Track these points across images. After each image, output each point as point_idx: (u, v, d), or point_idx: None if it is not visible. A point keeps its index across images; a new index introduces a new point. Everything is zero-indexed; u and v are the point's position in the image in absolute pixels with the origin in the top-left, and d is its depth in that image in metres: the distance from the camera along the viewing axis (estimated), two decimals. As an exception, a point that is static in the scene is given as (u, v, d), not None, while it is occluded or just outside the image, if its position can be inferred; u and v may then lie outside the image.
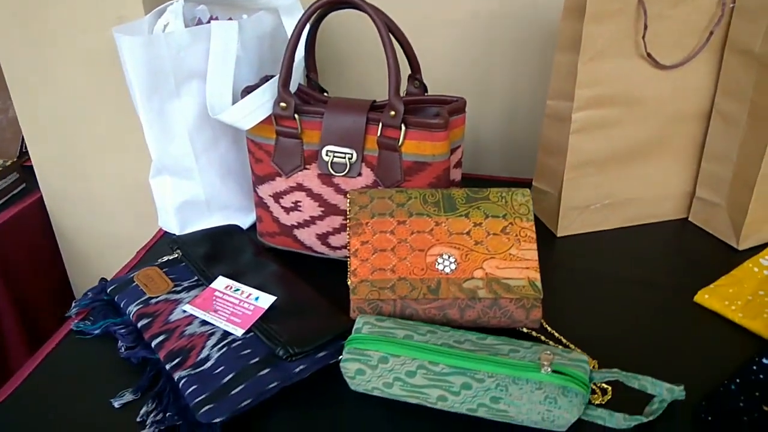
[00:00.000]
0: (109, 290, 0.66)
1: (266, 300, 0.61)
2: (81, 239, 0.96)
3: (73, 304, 0.66)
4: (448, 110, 0.65)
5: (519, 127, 0.94)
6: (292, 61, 0.65)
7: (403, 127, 0.64)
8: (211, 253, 0.70)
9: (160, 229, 0.82)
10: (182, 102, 0.71)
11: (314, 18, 0.67)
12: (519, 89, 0.91)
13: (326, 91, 0.75)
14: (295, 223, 0.72)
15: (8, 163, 0.92)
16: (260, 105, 0.66)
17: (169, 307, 0.62)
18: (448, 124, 0.64)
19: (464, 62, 0.90)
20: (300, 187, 0.70)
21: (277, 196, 0.72)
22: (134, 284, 0.66)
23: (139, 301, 0.63)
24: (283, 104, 0.66)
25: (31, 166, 0.97)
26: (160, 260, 0.70)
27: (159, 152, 0.73)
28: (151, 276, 0.67)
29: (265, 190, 0.73)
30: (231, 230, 0.76)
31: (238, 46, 0.68)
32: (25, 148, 1.03)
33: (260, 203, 0.74)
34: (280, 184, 0.71)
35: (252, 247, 0.72)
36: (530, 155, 0.94)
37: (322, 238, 0.72)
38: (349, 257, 0.60)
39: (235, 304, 0.61)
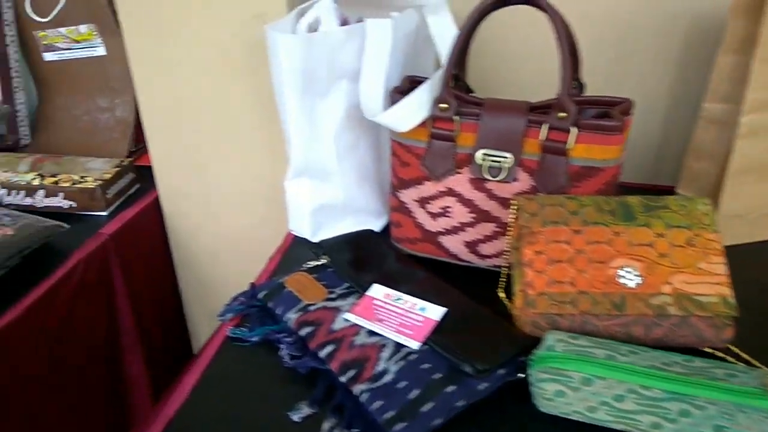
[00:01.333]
0: (261, 295, 0.64)
1: (435, 311, 0.58)
2: (194, 241, 0.95)
3: (224, 309, 0.65)
4: (619, 111, 0.61)
5: (651, 129, 0.90)
6: (457, 60, 0.62)
7: (574, 130, 0.60)
8: (356, 259, 0.68)
9: (288, 233, 0.80)
10: (330, 103, 0.69)
11: (477, 15, 0.64)
12: (651, 91, 0.87)
13: (473, 91, 0.72)
14: (442, 230, 0.70)
15: (125, 163, 0.92)
16: (419, 106, 0.63)
17: (330, 315, 0.60)
18: (625, 126, 0.60)
19: (600, 62, 0.86)
20: (450, 192, 0.67)
21: (423, 201, 0.69)
22: (287, 290, 0.64)
23: (297, 308, 0.61)
24: (443, 105, 0.63)
25: (141, 166, 0.97)
26: (306, 265, 0.68)
27: (304, 154, 0.71)
28: (303, 282, 0.65)
29: (410, 195, 0.70)
30: (369, 235, 0.73)
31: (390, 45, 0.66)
32: (135, 147, 1.03)
33: (400, 208, 0.72)
34: (428, 188, 0.68)
35: (393, 253, 0.70)
36: (664, 159, 0.90)
37: (471, 245, 0.69)
38: (511, 267, 0.57)
39: (400, 314, 0.58)
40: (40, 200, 0.85)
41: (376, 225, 0.80)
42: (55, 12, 0.98)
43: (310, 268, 0.68)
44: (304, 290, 0.64)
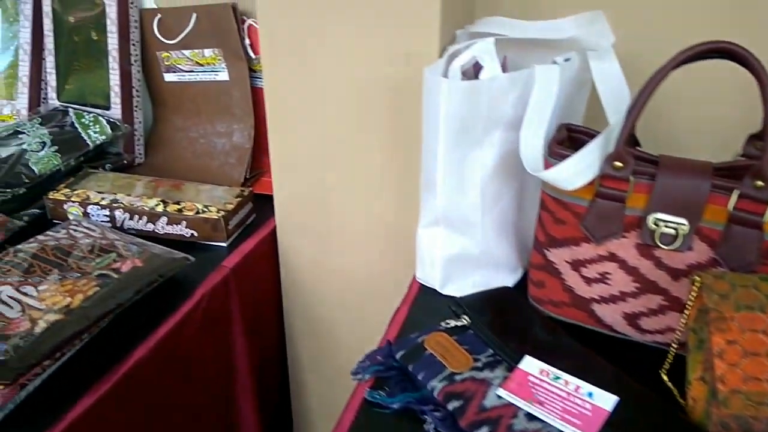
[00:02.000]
0: (399, 356, 0.60)
1: (604, 399, 0.52)
2: (307, 277, 0.92)
3: (359, 367, 0.61)
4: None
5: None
6: (639, 112, 0.56)
7: (775, 203, 0.53)
8: (498, 322, 0.63)
9: (414, 281, 0.76)
10: (483, 152, 0.64)
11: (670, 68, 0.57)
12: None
13: (640, 145, 0.65)
14: (597, 297, 0.63)
15: (246, 193, 0.90)
16: (590, 163, 0.58)
17: (480, 388, 0.55)
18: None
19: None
20: (612, 257, 0.61)
21: (577, 264, 0.63)
22: (428, 353, 0.59)
23: (441, 376, 0.56)
24: (618, 163, 0.57)
25: (256, 194, 0.95)
26: (444, 325, 0.63)
27: (445, 203, 0.67)
28: (445, 345, 0.60)
29: (560, 255, 0.64)
30: (511, 294, 0.68)
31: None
32: (249, 174, 1.02)
33: (547, 267, 0.66)
34: (586, 251, 0.62)
35: (538, 317, 0.64)
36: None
37: (631, 318, 0.62)
38: (686, 350, 0.50)
39: (563, 398, 0.52)
40: (162, 227, 0.85)
41: (510, 279, 0.74)
42: (182, 35, 0.99)
43: (449, 328, 0.63)
44: (447, 355, 0.59)
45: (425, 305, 0.72)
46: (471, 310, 0.64)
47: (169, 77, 1.06)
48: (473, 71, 0.67)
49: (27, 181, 0.88)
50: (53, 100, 1.10)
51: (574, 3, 0.84)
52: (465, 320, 0.63)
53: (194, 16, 0.97)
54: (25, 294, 0.65)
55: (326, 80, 0.77)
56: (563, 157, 0.60)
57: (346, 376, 0.81)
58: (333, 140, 0.81)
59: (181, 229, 0.84)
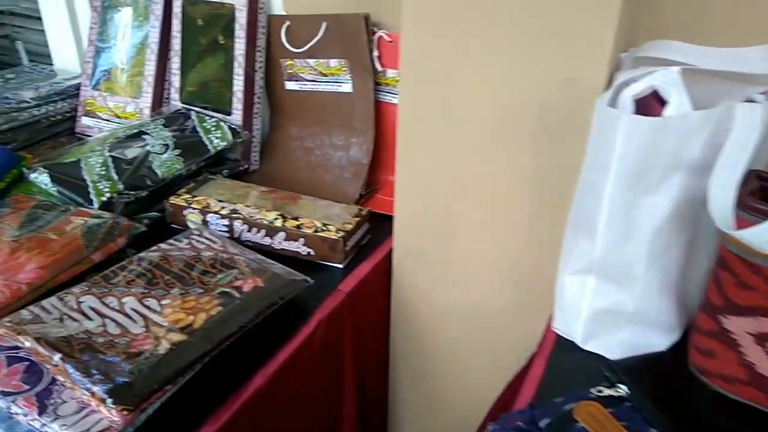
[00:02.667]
0: (544, 425, 0.53)
1: None
2: (419, 307, 0.87)
3: (494, 429, 0.54)
4: None
5: None
6: None
7: None
8: (659, 396, 0.54)
9: (549, 331, 0.68)
10: (657, 198, 0.56)
11: None
12: None
13: None
14: (787, 380, 0.54)
15: (364, 212, 0.86)
16: (804, 226, 0.48)
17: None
18: None
19: None
20: (811, 337, 0.51)
21: (763, 338, 0.54)
22: (580, 426, 0.51)
23: (599, 457, 0.49)
24: (841, 230, 0.47)
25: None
26: (596, 392, 0.55)
27: (607, 252, 0.59)
28: (600, 419, 0.52)
29: (742, 325, 0.55)
30: (669, 361, 0.59)
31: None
32: (364, 191, 0.98)
33: (721, 336, 0.56)
34: (779, 325, 0.52)
35: (706, 393, 0.55)
36: None
37: (830, 409, 0.52)
38: None
39: None
40: (279, 242, 0.82)
41: (665, 341, 0.65)
42: (311, 44, 0.96)
43: (602, 397, 0.55)
44: (602, 431, 0.51)
45: (565, 362, 0.64)
46: (629, 377, 0.56)
47: (290, 85, 1.04)
48: (638, 104, 0.59)
49: (151, 184, 0.87)
50: (175, 101, 1.11)
51: (750, 25, 0.73)
52: (622, 390, 0.55)
53: (324, 25, 0.94)
54: (149, 308, 0.64)
55: (468, 102, 0.71)
56: (759, 212, 0.51)
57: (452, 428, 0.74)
58: (466, 166, 0.75)
59: (298, 246, 0.81)
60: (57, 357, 0.55)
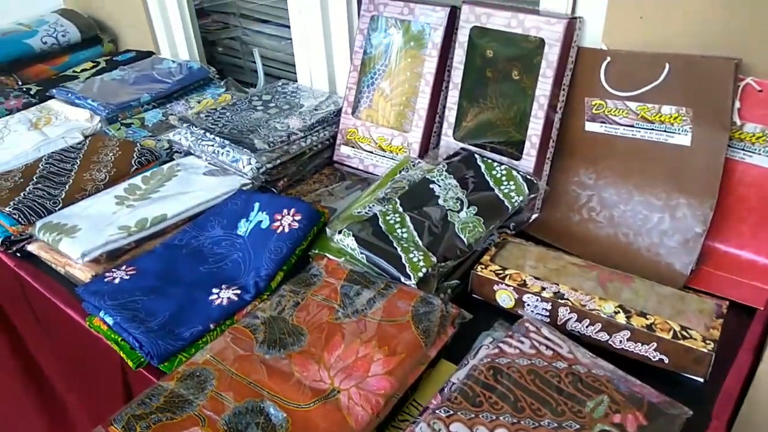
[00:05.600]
0: None
1: None
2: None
3: None
4: None
5: None
6: None
7: None
8: None
9: None
10: None
11: None
12: None
13: None
14: None
15: (724, 310, 0.70)
16: None
17: None
18: None
19: None
20: None
21: None
22: None
23: None
24: None
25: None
26: None
27: None
28: None
29: None
30: None
31: None
32: (695, 266, 0.81)
33: None
34: None
35: None
36: None
37: None
38: None
39: None
40: (620, 341, 0.69)
41: None
42: (647, 87, 0.80)
43: None
44: None
45: None
46: None
47: (591, 126, 0.89)
48: None
49: (459, 254, 0.78)
50: (447, 137, 1.01)
51: None
52: None
53: (667, 67, 0.78)
54: (525, 448, 0.55)
55: None
56: None
57: None
58: None
59: (647, 351, 0.68)
60: None
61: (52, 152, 1.09)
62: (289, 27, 1.33)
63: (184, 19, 1.52)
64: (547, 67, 0.86)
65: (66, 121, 1.23)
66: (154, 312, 0.73)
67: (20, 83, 1.46)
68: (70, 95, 1.29)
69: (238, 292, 0.77)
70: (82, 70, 1.49)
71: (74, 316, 0.83)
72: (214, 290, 0.77)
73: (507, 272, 0.78)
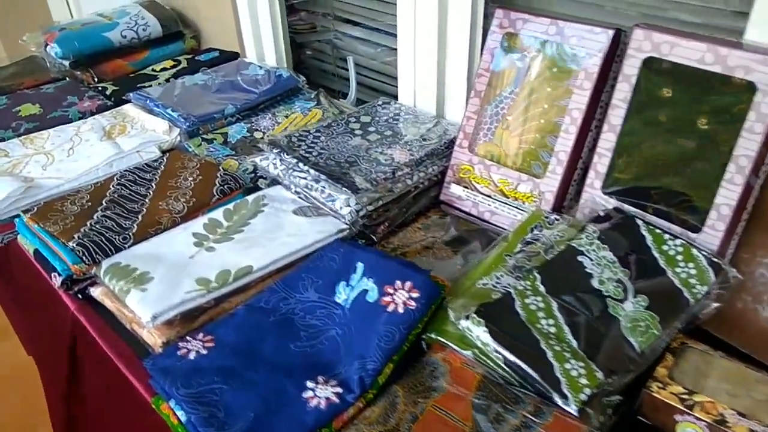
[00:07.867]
0: None
1: None
2: None
3: None
4: None
5: None
6: None
7: None
8: None
9: None
10: None
11: None
12: None
13: None
14: None
15: None
16: None
17: None
18: None
19: None
20: None
21: None
22: None
23: None
24: None
25: None
26: None
27: None
28: None
29: None
30: None
31: None
32: None
33: None
34: None
35: None
36: None
37: None
38: None
39: None
40: None
41: None
42: None
43: None
44: None
45: None
46: None
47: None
48: None
49: (633, 367, 0.60)
50: (593, 190, 0.81)
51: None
52: None
53: None
54: None
55: None
56: None
57: None
58: None
59: None
60: None
61: (126, 170, 0.96)
62: (387, 32, 1.16)
63: (274, 17, 1.37)
64: (757, 120, 0.65)
65: (142, 132, 1.10)
66: (234, 411, 0.58)
67: (96, 79, 1.36)
68: (148, 102, 1.16)
69: (339, 391, 0.60)
70: (162, 69, 1.37)
71: (135, 384, 0.70)
72: (309, 384, 0.61)
73: (695, 399, 0.58)
